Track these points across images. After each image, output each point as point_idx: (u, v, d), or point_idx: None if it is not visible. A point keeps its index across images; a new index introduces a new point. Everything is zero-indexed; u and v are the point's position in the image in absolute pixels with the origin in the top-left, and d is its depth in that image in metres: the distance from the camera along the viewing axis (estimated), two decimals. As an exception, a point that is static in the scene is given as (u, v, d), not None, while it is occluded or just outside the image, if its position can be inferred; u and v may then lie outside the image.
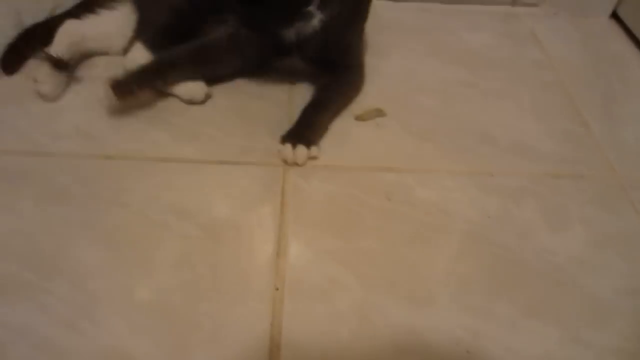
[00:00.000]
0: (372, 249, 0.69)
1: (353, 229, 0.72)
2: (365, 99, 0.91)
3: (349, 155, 0.82)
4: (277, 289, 0.64)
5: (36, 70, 0.86)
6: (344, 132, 0.85)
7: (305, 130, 0.80)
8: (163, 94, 0.87)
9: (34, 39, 0.89)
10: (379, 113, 0.89)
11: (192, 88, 0.86)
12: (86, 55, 0.92)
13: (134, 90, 0.80)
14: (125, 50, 0.90)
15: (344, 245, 0.69)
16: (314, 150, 0.79)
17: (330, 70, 0.88)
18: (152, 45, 0.86)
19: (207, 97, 0.87)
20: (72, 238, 0.68)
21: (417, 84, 0.95)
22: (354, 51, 0.92)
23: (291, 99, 0.89)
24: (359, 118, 0.88)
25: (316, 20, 0.79)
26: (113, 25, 0.90)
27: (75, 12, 0.91)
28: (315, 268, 0.67)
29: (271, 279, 0.65)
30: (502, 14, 1.16)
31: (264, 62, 0.90)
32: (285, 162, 0.78)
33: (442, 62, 1.01)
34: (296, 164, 0.78)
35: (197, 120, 0.85)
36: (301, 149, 0.77)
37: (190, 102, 0.86)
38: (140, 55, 0.86)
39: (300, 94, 0.89)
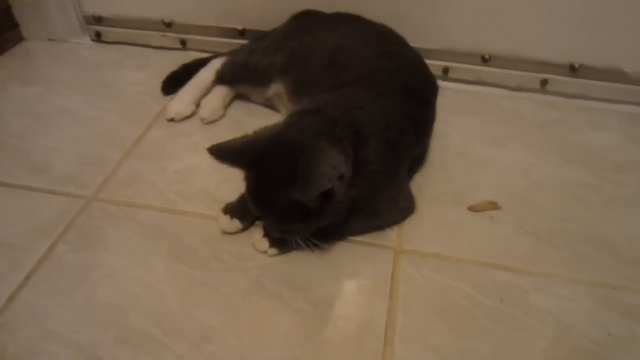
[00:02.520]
0: (481, 352, 0.67)
1: (462, 326, 0.70)
2: (479, 189, 0.91)
3: (461, 247, 0.81)
4: (384, 381, 0.64)
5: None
6: (456, 222, 0.85)
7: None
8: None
9: (191, 72, 1.11)
10: (493, 206, 0.88)
11: None
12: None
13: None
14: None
15: (453, 343, 0.68)
16: (276, 252, 0.79)
17: None
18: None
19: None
20: (195, 298, 0.73)
21: (534, 180, 0.94)
22: (386, 194, 0.84)
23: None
24: (473, 209, 0.88)
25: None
26: None
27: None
28: (422, 364, 0.66)
29: (378, 369, 0.65)
30: (629, 113, 1.12)
31: None
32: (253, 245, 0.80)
33: (563, 160, 0.99)
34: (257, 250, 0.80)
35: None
36: (272, 250, 0.79)
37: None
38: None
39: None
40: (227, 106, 1.09)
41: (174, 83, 1.11)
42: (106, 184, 0.91)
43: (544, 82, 1.16)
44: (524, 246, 0.82)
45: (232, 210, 0.81)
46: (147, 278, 0.75)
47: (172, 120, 1.05)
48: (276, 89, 1.02)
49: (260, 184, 0.72)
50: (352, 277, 0.76)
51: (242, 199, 0.82)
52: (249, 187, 0.74)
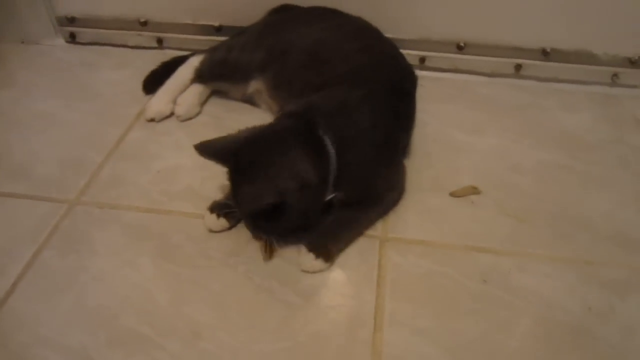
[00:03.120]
0: (468, 332, 0.69)
1: (449, 309, 0.72)
2: (460, 175, 0.93)
3: (444, 232, 0.83)
4: (375, 366, 0.66)
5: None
6: (439, 208, 0.87)
7: (329, 244, 0.79)
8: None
9: (171, 70, 1.10)
10: (474, 191, 0.90)
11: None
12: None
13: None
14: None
15: (440, 325, 0.70)
16: (327, 265, 0.77)
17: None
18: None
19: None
20: (185, 296, 0.73)
21: (512, 163, 0.96)
22: (380, 188, 0.85)
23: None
24: (454, 194, 0.90)
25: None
26: None
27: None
28: (411, 347, 0.68)
29: (368, 354, 0.67)
30: (600, 94, 1.15)
31: None
32: (300, 266, 0.77)
33: (538, 142, 1.01)
34: (307, 272, 0.77)
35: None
36: (320, 263, 0.76)
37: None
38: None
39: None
40: (203, 103, 1.09)
41: (154, 81, 1.10)
42: (89, 186, 0.90)
43: (518, 67, 1.18)
44: (504, 228, 0.84)
45: (218, 208, 0.82)
46: (135, 278, 0.75)
47: (152, 120, 1.04)
48: (256, 85, 1.02)
49: (234, 182, 0.74)
50: (340, 267, 0.78)
51: (228, 197, 0.82)
52: (229, 182, 0.75)
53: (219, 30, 1.22)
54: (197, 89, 1.07)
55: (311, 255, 0.76)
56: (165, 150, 0.98)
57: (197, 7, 1.21)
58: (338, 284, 0.76)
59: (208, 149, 0.76)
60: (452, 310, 0.72)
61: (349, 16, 1.03)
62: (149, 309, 0.72)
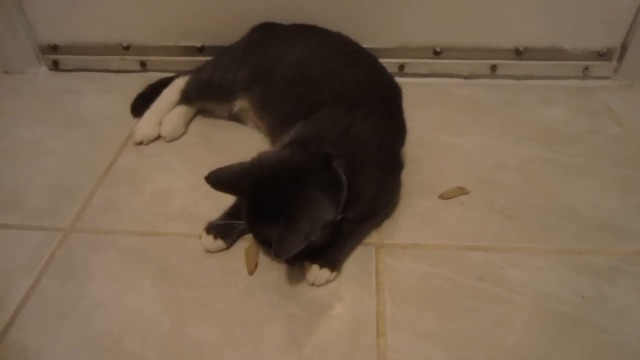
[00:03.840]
0: (468, 331, 0.71)
1: (448, 309, 0.74)
2: (447, 177, 0.95)
3: (437, 234, 0.85)
4: (381, 371, 0.67)
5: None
6: (430, 211, 0.89)
7: (333, 254, 0.79)
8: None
9: (157, 91, 1.11)
10: (462, 191, 0.93)
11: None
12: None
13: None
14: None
15: (441, 326, 0.72)
16: (333, 275, 0.78)
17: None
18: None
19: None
20: (187, 316, 0.74)
21: (496, 161, 0.99)
22: (382, 203, 0.87)
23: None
24: (443, 196, 0.92)
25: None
26: None
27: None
28: (415, 350, 0.69)
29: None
30: (574, 87, 1.19)
31: None
32: (306, 279, 0.78)
33: (519, 138, 1.04)
34: (313, 285, 0.77)
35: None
36: (325, 272, 0.77)
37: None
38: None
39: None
40: (189, 123, 1.10)
41: (142, 104, 1.11)
42: (83, 213, 0.90)
43: (494, 68, 1.22)
44: (494, 225, 0.86)
45: (215, 229, 0.82)
46: (136, 303, 0.76)
47: (140, 143, 1.05)
48: (241, 104, 1.03)
49: (253, 213, 0.74)
50: (339, 277, 0.79)
51: (225, 217, 0.83)
52: (244, 212, 0.75)
53: (201, 50, 1.24)
54: (182, 110, 1.08)
55: (316, 267, 0.77)
56: (156, 173, 0.98)
57: (178, 29, 1.23)
58: (338, 293, 0.77)
59: (220, 181, 0.75)
60: (452, 310, 0.74)
61: (329, 32, 1.05)
62: (152, 332, 0.72)
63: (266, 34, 1.09)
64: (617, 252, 0.81)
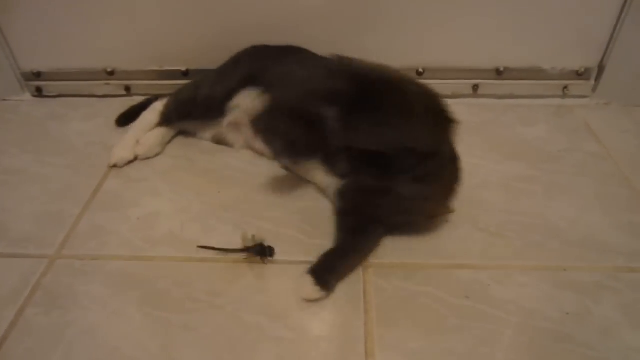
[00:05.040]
0: (456, 349, 0.72)
1: (435, 328, 0.74)
2: (432, 196, 0.96)
3: (423, 253, 0.86)
4: (370, 392, 0.67)
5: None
6: (416, 230, 0.90)
7: (330, 273, 0.80)
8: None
9: (143, 108, 1.14)
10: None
11: None
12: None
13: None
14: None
15: (429, 345, 0.72)
16: (324, 294, 0.78)
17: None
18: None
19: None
20: (176, 342, 0.73)
21: (479, 180, 1.01)
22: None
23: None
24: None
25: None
26: None
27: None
28: (404, 370, 0.70)
29: (363, 382, 0.68)
30: (554, 106, 1.22)
31: None
32: (298, 291, 0.79)
33: (501, 157, 1.06)
34: (303, 297, 0.78)
35: (278, 221, 0.92)
36: (317, 290, 0.78)
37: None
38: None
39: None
40: (167, 144, 1.11)
41: (129, 118, 1.14)
42: (68, 240, 0.90)
43: (476, 87, 1.24)
44: (479, 243, 0.88)
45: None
46: (124, 328, 0.75)
47: (115, 166, 1.05)
48: (233, 117, 1.03)
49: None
50: (327, 298, 0.79)
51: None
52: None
53: (186, 74, 1.25)
54: (161, 131, 1.09)
55: (311, 280, 0.78)
56: (142, 197, 0.98)
57: (163, 53, 1.24)
58: (326, 314, 0.77)
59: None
60: (439, 329, 0.74)
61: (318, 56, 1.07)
62: (141, 358, 0.71)
63: (258, 49, 1.11)
64: (600, 268, 0.83)
